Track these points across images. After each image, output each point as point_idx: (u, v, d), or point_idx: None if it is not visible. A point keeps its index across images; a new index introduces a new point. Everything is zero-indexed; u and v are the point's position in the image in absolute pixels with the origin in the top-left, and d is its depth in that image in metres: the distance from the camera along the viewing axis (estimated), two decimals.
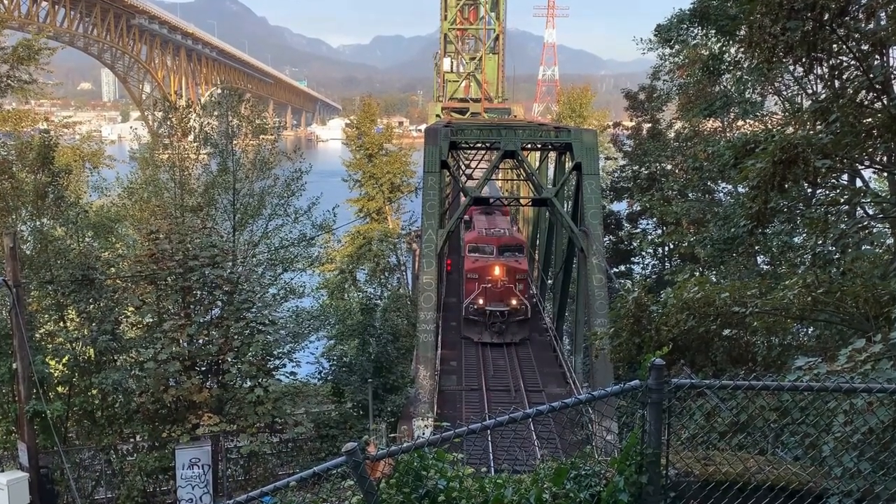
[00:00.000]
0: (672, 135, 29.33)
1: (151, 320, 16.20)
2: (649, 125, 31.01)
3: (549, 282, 28.42)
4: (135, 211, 23.54)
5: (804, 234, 12.79)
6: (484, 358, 23.75)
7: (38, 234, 19.02)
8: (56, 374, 17.11)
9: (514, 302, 24.49)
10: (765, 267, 19.12)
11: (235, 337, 15.29)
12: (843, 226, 9.64)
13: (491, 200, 26.88)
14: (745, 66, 17.94)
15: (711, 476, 4.27)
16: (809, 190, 14.04)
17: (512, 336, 24.53)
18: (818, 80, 14.06)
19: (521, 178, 33.31)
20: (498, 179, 40.24)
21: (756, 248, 18.05)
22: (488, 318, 24.36)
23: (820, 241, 9.72)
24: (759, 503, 4.08)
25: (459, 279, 28.42)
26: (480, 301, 24.47)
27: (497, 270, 24.48)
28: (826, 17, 8.20)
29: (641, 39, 24.91)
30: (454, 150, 24.13)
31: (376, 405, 18.30)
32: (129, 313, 17.22)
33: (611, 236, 32.81)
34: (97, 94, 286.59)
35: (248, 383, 15.66)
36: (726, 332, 9.73)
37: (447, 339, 24.88)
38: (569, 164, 21.15)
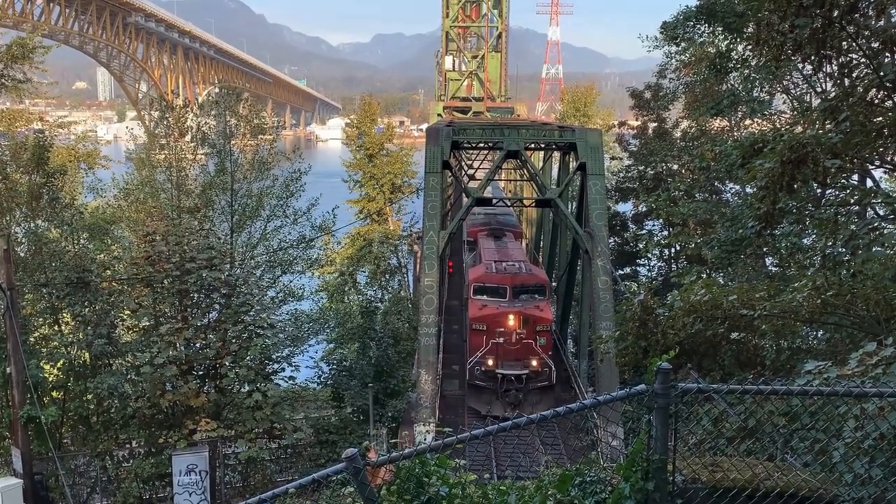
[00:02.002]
0: (678, 134, 29.14)
1: (148, 324, 16.14)
2: (655, 124, 30.76)
3: (554, 284, 27.97)
4: (131, 212, 23.36)
5: (814, 236, 12.72)
6: None
7: (32, 236, 19.02)
8: (50, 379, 17.02)
9: (534, 363, 18.87)
10: (773, 269, 18.90)
11: (233, 340, 15.19)
12: (853, 227, 9.59)
13: (494, 201, 25.99)
14: (752, 63, 17.81)
15: (719, 482, 4.20)
16: (819, 190, 13.91)
17: (532, 408, 18.65)
18: (827, 79, 13.97)
19: (525, 178, 32.47)
20: (501, 180, 39.69)
21: (764, 249, 17.94)
22: (500, 384, 18.87)
23: (830, 243, 9.68)
24: None
25: (461, 281, 27.64)
26: (490, 362, 18.94)
27: (512, 320, 18.97)
28: (835, 13, 8.21)
29: (647, 37, 24.65)
30: (456, 150, 23.77)
31: (377, 410, 18.12)
32: (124, 317, 17.18)
33: (616, 238, 32.49)
34: (93, 94, 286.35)
35: (247, 388, 15.58)
36: (734, 335, 9.77)
37: (449, 343, 24.50)
38: (573, 165, 20.83)
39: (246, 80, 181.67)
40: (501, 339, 19.04)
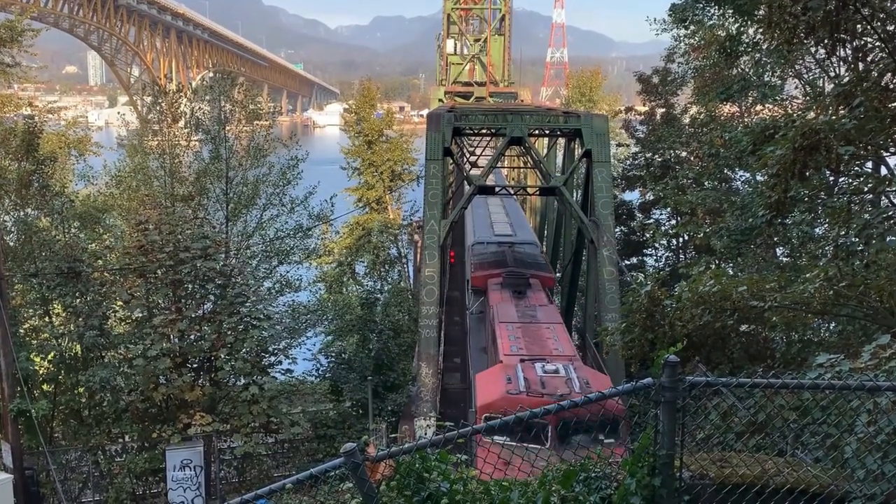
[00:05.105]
0: (687, 120, 28.61)
1: (140, 315, 15.92)
2: (663, 110, 30.19)
3: (558, 275, 27.52)
4: (123, 200, 23.11)
5: (826, 225, 12.51)
6: None
7: (21, 224, 18.93)
8: (41, 372, 16.90)
9: None
10: (784, 259, 18.57)
11: (229, 332, 14.91)
12: (867, 216, 9.45)
13: (496, 189, 25.46)
14: (764, 47, 17.36)
15: (727, 478, 4.15)
16: (832, 178, 13.65)
17: None
18: (841, 63, 13.53)
19: (528, 165, 31.87)
20: (504, 167, 39.05)
21: (775, 239, 17.70)
22: None
23: (843, 232, 9.51)
24: None
25: (462, 272, 27.06)
26: None
27: None
28: None
29: (655, 20, 24.07)
30: (458, 137, 23.29)
31: (376, 404, 17.91)
32: (117, 308, 16.99)
33: (622, 227, 32.01)
34: (83, 78, 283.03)
35: (242, 381, 15.40)
36: (744, 327, 9.73)
37: (450, 335, 24.14)
38: (578, 152, 20.33)
39: (241, 64, 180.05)
40: None
